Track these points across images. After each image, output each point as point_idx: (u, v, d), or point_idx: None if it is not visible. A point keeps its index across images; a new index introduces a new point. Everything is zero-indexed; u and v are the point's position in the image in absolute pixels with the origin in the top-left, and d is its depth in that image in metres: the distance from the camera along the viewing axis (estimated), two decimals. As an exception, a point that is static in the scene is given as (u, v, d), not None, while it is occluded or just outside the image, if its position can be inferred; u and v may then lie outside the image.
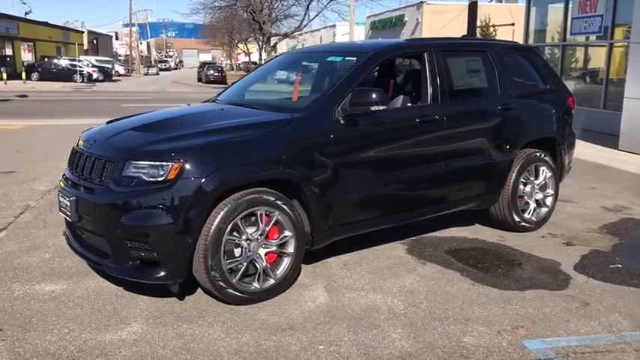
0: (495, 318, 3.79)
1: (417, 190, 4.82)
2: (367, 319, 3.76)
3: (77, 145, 4.28)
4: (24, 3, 46.46)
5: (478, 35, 35.00)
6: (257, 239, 3.95)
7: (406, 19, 52.17)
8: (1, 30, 42.93)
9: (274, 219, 3.98)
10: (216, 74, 47.14)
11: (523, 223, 5.55)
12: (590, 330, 3.64)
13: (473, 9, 19.77)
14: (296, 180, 4.05)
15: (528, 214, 5.60)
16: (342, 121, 4.30)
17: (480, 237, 5.50)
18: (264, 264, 3.98)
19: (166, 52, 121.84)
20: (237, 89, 5.51)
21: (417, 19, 49.62)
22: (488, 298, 4.12)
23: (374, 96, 4.28)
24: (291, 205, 4.04)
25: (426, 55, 4.93)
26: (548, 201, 5.76)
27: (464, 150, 5.04)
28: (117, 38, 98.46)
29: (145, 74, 67.40)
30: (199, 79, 48.64)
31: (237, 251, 3.89)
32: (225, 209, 3.75)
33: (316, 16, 45.52)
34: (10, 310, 3.85)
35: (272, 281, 4.03)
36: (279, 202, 3.97)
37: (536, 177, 5.63)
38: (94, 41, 75.99)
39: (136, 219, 3.65)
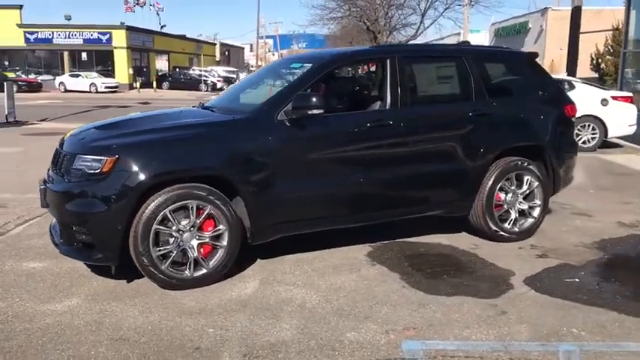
0: (395, 319, 3.86)
1: (367, 194, 4.92)
2: (273, 310, 3.99)
3: (58, 144, 4.90)
4: (159, 16, 49.81)
5: (608, 41, 32.99)
6: (189, 230, 4.31)
7: (530, 25, 50.19)
8: (138, 43, 47.07)
9: (206, 213, 4.32)
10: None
11: (502, 233, 5.43)
12: (481, 337, 3.61)
13: (576, 14, 18.82)
14: (231, 178, 4.37)
15: (508, 223, 5.46)
16: (287, 124, 4.55)
17: (455, 244, 5.47)
18: (195, 254, 4.33)
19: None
20: (227, 95, 5.91)
21: (541, 25, 47.58)
22: (406, 300, 4.17)
23: (313, 100, 4.50)
24: (224, 200, 4.36)
25: (388, 61, 5.04)
26: (535, 212, 5.57)
27: (425, 155, 5.07)
28: (251, 50, 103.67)
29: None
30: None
31: (170, 240, 4.28)
32: (155, 201, 4.17)
33: (431, 24, 44.40)
34: (-15, 280, 4.53)
35: (204, 270, 4.38)
36: (211, 197, 4.31)
37: (519, 186, 5.48)
38: (226, 53, 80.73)
39: (78, 206, 4.18)
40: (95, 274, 4.68)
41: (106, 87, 40.56)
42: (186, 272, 4.34)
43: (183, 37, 61.74)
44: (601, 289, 4.41)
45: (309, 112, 4.52)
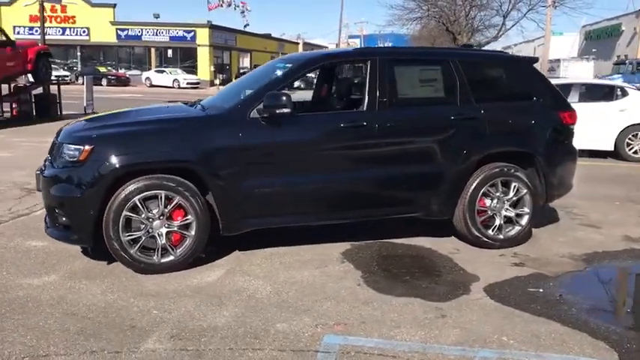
0: (333, 314, 3.96)
1: (338, 193, 5.02)
2: (222, 298, 4.20)
3: (55, 134, 5.32)
4: (244, 15, 51.48)
5: None
6: (159, 218, 4.59)
7: (623, 28, 47.65)
8: (220, 41, 48.67)
9: (175, 203, 4.59)
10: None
11: (484, 239, 5.37)
12: (406, 337, 3.65)
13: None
14: (198, 171, 4.61)
15: (492, 230, 5.39)
16: (260, 122, 4.75)
17: (436, 248, 5.46)
18: (163, 241, 4.61)
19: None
20: (220, 94, 6.12)
21: (635, 28, 45.06)
22: (353, 297, 4.26)
23: (282, 99, 4.66)
24: (193, 191, 4.61)
25: (368, 63, 5.12)
26: (523, 220, 5.46)
27: (400, 157, 5.10)
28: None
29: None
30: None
31: (140, 227, 4.58)
32: (126, 189, 4.48)
33: (513, 25, 43.12)
34: (-15, 255, 5.01)
35: (172, 257, 4.65)
36: (180, 189, 4.57)
37: (506, 193, 5.40)
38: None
39: (58, 190, 4.56)
40: (83, 254, 5.06)
41: (188, 83, 42.30)
42: (155, 258, 4.62)
43: (267, 37, 63.29)
44: (561, 300, 4.30)
45: (277, 112, 4.67)
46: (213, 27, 47.46)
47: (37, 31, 48.50)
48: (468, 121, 5.25)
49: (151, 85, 42.86)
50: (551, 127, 5.58)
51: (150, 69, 46.57)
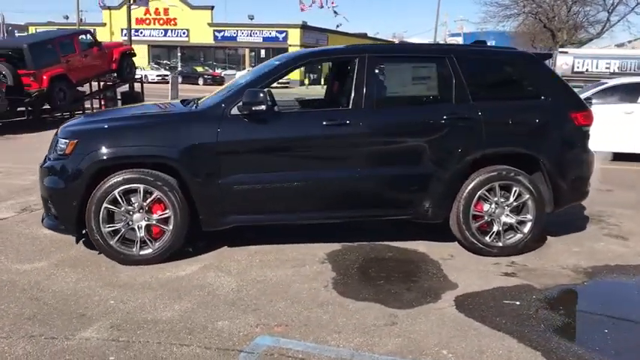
0: (280, 315, 3.90)
1: (320, 193, 4.93)
2: (182, 293, 4.25)
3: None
4: (336, 15, 51.78)
5: None
6: (139, 211, 4.73)
7: None
8: (311, 41, 49.23)
9: (153, 197, 4.71)
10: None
11: (480, 246, 5.09)
12: (340, 343, 3.53)
13: None
14: (174, 166, 4.70)
15: (490, 236, 5.09)
16: (242, 119, 4.76)
17: (430, 252, 5.24)
18: (142, 233, 4.74)
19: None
20: (222, 91, 6.17)
21: None
22: (312, 299, 4.17)
23: (260, 96, 4.65)
24: (171, 186, 4.71)
25: (357, 61, 4.99)
26: (525, 227, 5.11)
27: (385, 157, 4.94)
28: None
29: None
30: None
31: (122, 219, 4.74)
32: (106, 182, 4.66)
33: (618, 21, 40.41)
34: (-7, 239, 5.37)
35: (150, 250, 4.77)
36: (158, 183, 4.69)
37: (506, 197, 5.08)
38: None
39: (48, 182, 4.81)
40: (83, 244, 5.28)
41: (278, 82, 43.02)
42: (134, 250, 4.76)
43: (361, 36, 63.30)
44: (533, 316, 3.98)
45: (254, 109, 4.66)
46: (304, 27, 48.16)
47: (141, 32, 51.53)
48: (462, 120, 4.98)
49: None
50: (561, 128, 5.17)
51: (244, 69, 47.95)
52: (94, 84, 18.76)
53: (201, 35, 49.00)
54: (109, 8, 50.30)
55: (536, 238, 5.23)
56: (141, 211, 4.73)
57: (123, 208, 4.71)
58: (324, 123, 4.86)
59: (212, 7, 49.90)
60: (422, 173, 4.96)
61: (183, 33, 49.84)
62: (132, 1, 22.97)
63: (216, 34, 49.41)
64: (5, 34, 48.38)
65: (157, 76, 43.15)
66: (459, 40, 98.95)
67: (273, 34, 48.32)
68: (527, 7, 42.24)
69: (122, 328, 3.67)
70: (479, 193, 5.01)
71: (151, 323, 3.75)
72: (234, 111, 4.78)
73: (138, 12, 50.47)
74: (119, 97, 19.24)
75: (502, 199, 5.08)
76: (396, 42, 74.57)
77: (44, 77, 15.87)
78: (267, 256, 5.07)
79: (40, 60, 15.81)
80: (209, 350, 3.42)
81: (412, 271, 4.79)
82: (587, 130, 5.29)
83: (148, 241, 4.76)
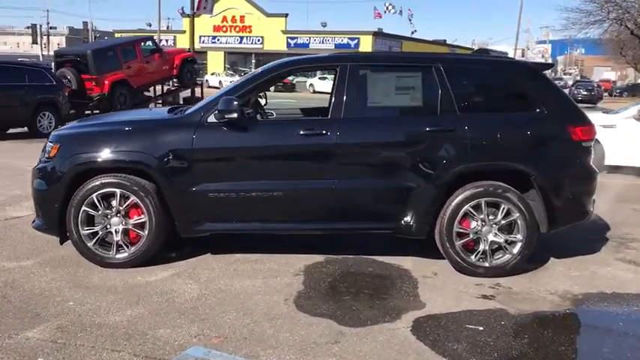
0: (224, 326, 3.85)
1: (296, 203, 4.83)
2: (140, 298, 4.28)
3: None
4: (411, 22, 51.50)
5: None
6: (117, 216, 4.82)
7: None
8: (384, 48, 49.00)
9: (130, 202, 4.79)
10: (585, 93, 43.81)
11: (464, 265, 4.83)
12: (270, 359, 3.45)
13: None
14: (149, 171, 4.76)
15: (475, 256, 4.83)
16: (219, 126, 4.77)
17: (413, 269, 5.03)
18: (118, 237, 4.83)
19: (564, 69, 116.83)
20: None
21: None
22: (264, 312, 4.09)
23: (233, 104, 4.63)
24: (147, 191, 4.77)
25: (338, 69, 4.89)
26: (515, 248, 4.81)
27: (364, 169, 4.80)
28: (523, 55, 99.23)
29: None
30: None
31: (101, 222, 4.85)
32: (85, 186, 4.78)
33: None
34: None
35: (126, 254, 4.85)
36: (135, 188, 4.76)
37: (494, 215, 4.81)
38: (485, 58, 79.02)
39: (35, 184, 4.99)
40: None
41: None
42: (111, 253, 4.85)
43: (439, 42, 62.58)
44: (491, 344, 3.73)
45: (226, 116, 4.65)
46: (376, 34, 48.02)
47: (218, 39, 53.12)
48: (445, 133, 4.75)
49: (314, 92, 44.45)
50: (555, 143, 4.84)
51: (315, 76, 48.32)
52: (158, 88, 19.45)
53: (275, 42, 49.82)
54: (189, 16, 52.05)
55: (525, 259, 4.89)
56: (118, 215, 4.80)
57: (101, 212, 4.80)
58: (301, 132, 4.77)
59: (286, 15, 50.68)
60: (402, 186, 4.78)
61: (258, 40, 50.89)
62: (195, 10, 23.55)
63: (289, 41, 50.11)
64: (93, 41, 51.16)
65: (231, 82, 44.27)
66: (548, 48, 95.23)
67: (345, 41, 48.44)
68: (613, 12, 40.11)
69: (66, 330, 3.73)
70: (463, 209, 4.77)
71: (95, 327, 3.79)
72: (211, 119, 4.78)
73: (215, 20, 52.12)
74: (181, 102, 19.83)
75: (491, 217, 4.80)
76: (475, 49, 73.16)
77: (106, 82, 16.62)
78: (245, 265, 5.03)
79: (102, 66, 16.57)
80: (136, 357, 3.41)
81: (385, 288, 4.61)
82: (588, 146, 4.92)
83: (124, 245, 4.83)
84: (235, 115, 4.62)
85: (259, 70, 5.26)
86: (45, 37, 61.00)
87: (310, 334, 3.78)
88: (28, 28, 64.30)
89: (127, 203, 4.78)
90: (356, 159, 4.80)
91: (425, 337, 3.79)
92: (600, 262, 5.37)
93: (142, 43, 18.16)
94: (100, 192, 4.76)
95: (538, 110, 4.87)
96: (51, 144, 4.92)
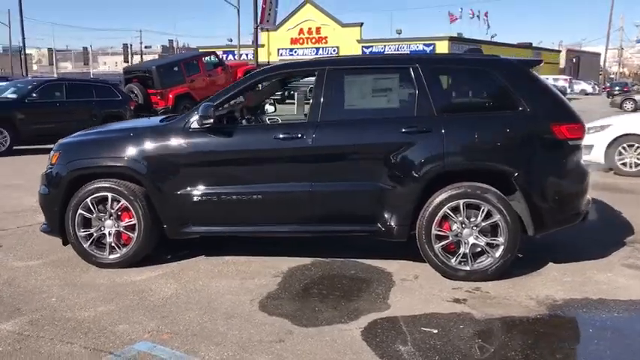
0: (181, 323, 3.98)
1: (275, 206, 4.91)
2: (117, 296, 4.50)
3: None
4: (488, 26, 50.34)
5: None
6: (109, 218, 5.12)
7: None
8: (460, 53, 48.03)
9: (120, 205, 5.06)
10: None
11: (444, 268, 4.73)
12: (208, 355, 3.54)
13: None
14: (136, 176, 5.02)
15: (456, 259, 4.73)
16: (202, 132, 4.96)
17: (396, 272, 4.97)
18: (110, 239, 5.12)
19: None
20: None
21: None
22: (225, 311, 4.18)
23: (209, 111, 4.81)
24: (136, 195, 5.03)
25: (317, 74, 4.95)
26: (497, 251, 4.66)
27: (339, 172, 4.82)
28: (620, 55, 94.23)
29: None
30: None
31: (96, 224, 5.16)
32: (81, 190, 5.11)
33: None
34: None
35: (118, 255, 5.13)
36: (125, 192, 5.04)
37: (475, 217, 4.69)
38: (574, 60, 75.83)
39: (41, 189, 5.38)
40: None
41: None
42: (105, 254, 5.14)
43: (524, 46, 60.74)
44: (437, 347, 3.64)
45: (204, 122, 4.83)
46: (452, 39, 47.21)
47: (295, 52, 54.10)
48: (422, 134, 4.69)
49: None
50: (538, 142, 4.65)
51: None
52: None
53: (350, 52, 50.03)
54: (268, 30, 53.38)
55: (509, 263, 4.71)
56: (111, 217, 5.08)
57: (95, 215, 5.10)
58: (279, 136, 4.86)
59: (361, 24, 50.85)
60: (379, 189, 4.75)
61: (334, 50, 51.29)
62: (259, 24, 24.22)
63: (364, 50, 50.17)
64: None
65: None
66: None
67: (420, 47, 47.94)
68: None
69: (36, 324, 4.00)
70: (442, 211, 4.67)
71: (63, 321, 4.04)
72: (194, 125, 4.97)
73: (292, 32, 53.23)
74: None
75: (472, 219, 4.68)
76: (563, 51, 70.10)
77: (170, 96, 17.42)
78: (230, 266, 5.17)
79: (167, 80, 17.38)
80: (84, 350, 3.61)
81: (358, 291, 4.60)
82: (576, 145, 4.68)
83: (115, 246, 5.10)
84: (211, 120, 4.78)
85: (246, 77, 5.39)
86: (138, 56, 64.83)
87: (259, 332, 3.84)
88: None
89: (119, 206, 5.04)
90: (332, 161, 4.83)
91: (372, 338, 3.76)
92: (603, 268, 5.08)
93: (205, 58, 18.86)
94: (94, 196, 5.06)
95: (521, 109, 4.70)
96: (53, 152, 5.29)
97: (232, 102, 5.25)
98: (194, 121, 4.97)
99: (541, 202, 4.62)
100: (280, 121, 6.26)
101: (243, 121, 5.59)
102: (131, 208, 5.01)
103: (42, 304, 4.36)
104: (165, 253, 5.42)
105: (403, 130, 4.71)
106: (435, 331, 3.85)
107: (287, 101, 21.80)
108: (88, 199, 5.06)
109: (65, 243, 5.37)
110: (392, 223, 4.80)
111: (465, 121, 4.73)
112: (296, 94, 22.00)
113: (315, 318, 4.07)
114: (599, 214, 7.00)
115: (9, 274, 5.02)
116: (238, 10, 40.68)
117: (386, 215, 4.78)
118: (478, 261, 4.70)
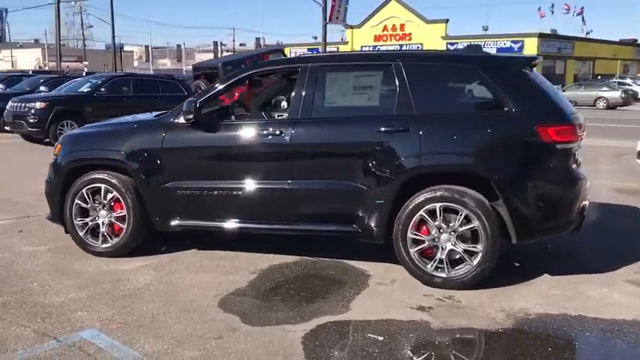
0: (134, 314, 4.05)
1: (255, 202, 4.88)
2: (96, 284, 4.65)
3: None
4: (583, 22, 47.71)
5: None
6: (103, 209, 5.32)
7: None
8: (552, 50, 45.93)
9: (112, 196, 5.25)
10: None
11: (420, 274, 4.55)
12: (143, 346, 3.59)
13: None
14: (126, 168, 5.18)
15: (432, 265, 4.53)
16: (187, 127, 5.05)
17: (376, 275, 4.84)
18: (103, 229, 5.32)
19: None
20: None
21: None
22: (182, 306, 4.20)
23: (191, 106, 4.88)
24: (127, 187, 5.19)
25: (299, 71, 4.90)
26: (475, 259, 4.42)
27: (316, 171, 4.73)
28: None
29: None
30: None
31: (91, 214, 5.38)
32: (78, 181, 5.34)
33: None
34: None
35: (109, 244, 5.32)
36: (117, 184, 5.22)
37: (452, 220, 4.48)
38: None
39: (46, 178, 5.67)
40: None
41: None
42: (98, 243, 5.34)
43: (628, 42, 57.35)
44: (374, 355, 3.50)
45: (187, 117, 4.90)
46: (542, 36, 45.14)
47: (378, 49, 53.70)
48: (399, 133, 4.52)
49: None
50: (521, 145, 4.35)
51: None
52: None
53: (434, 48, 49.13)
54: (352, 27, 53.35)
55: (487, 272, 4.45)
56: (104, 208, 5.27)
57: (90, 205, 5.30)
58: (261, 133, 4.85)
59: (447, 21, 49.70)
60: (356, 188, 4.63)
61: (417, 47, 50.47)
62: (328, 20, 24.22)
63: (449, 46, 48.93)
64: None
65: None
66: None
67: (508, 44, 46.18)
68: None
69: (7, 306, 4.22)
70: (418, 214, 4.49)
71: (31, 305, 4.23)
72: (181, 120, 5.05)
73: (377, 29, 52.89)
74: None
75: (451, 224, 4.47)
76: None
77: (236, 93, 17.71)
78: (214, 261, 5.22)
79: (232, 77, 17.69)
80: (35, 334, 3.77)
81: (326, 292, 4.51)
82: (564, 148, 4.34)
83: (108, 236, 5.28)
84: (191, 116, 4.84)
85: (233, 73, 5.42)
86: (231, 53, 66.51)
87: (204, 328, 3.86)
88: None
89: (111, 197, 5.21)
90: (309, 159, 4.76)
91: (312, 341, 3.67)
92: (602, 282, 4.69)
93: (271, 55, 19.09)
94: (89, 186, 5.26)
95: (506, 109, 4.42)
96: (57, 143, 5.55)
97: (232, 98, 5.28)
98: (181, 117, 5.04)
99: (524, 208, 4.33)
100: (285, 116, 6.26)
101: (233, 117, 5.61)
102: (122, 200, 5.16)
103: (22, 287, 4.59)
104: (165, 245, 5.54)
105: (381, 129, 4.56)
106: (381, 339, 3.70)
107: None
108: (84, 190, 5.27)
109: (67, 231, 5.62)
110: (369, 225, 4.66)
111: (444, 121, 4.51)
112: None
113: (267, 317, 4.03)
114: (627, 224, 6.51)
115: (11, 258, 5.31)
116: (324, 8, 40.97)
117: (364, 216, 4.65)
118: (456, 268, 4.48)
